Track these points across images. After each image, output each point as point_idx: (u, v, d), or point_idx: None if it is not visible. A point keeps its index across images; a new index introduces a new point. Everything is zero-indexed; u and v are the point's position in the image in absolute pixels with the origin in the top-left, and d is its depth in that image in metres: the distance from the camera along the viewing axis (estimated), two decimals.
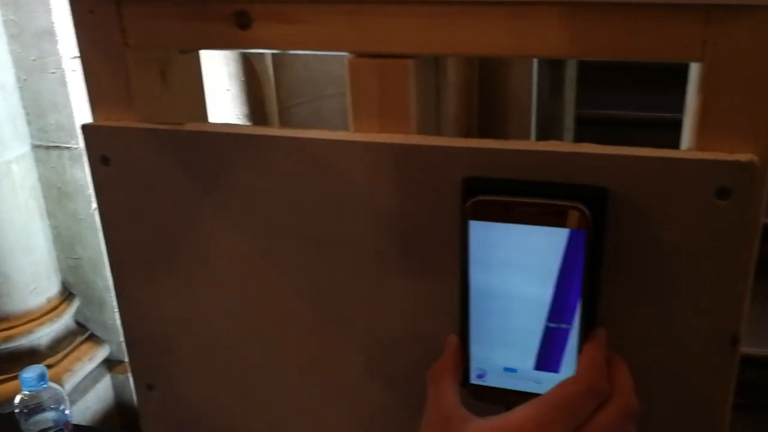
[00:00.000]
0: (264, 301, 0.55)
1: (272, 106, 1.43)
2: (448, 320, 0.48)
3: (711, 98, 0.42)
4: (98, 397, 1.83)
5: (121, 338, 1.83)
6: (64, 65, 1.53)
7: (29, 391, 1.27)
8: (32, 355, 1.68)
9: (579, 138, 0.47)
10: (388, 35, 0.47)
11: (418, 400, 0.46)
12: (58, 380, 1.63)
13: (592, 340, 0.44)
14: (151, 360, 0.61)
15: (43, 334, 1.71)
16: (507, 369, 0.46)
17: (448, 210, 0.47)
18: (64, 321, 1.76)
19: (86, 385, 1.79)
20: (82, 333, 1.82)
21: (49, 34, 1.49)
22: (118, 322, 1.87)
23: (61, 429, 1.30)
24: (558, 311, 0.44)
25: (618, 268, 0.46)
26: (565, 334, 0.44)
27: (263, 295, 0.55)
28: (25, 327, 1.67)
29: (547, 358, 0.45)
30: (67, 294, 1.80)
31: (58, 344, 1.75)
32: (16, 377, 1.63)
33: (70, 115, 1.56)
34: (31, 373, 1.27)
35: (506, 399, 0.44)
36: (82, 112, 1.60)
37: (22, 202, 1.62)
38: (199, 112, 0.62)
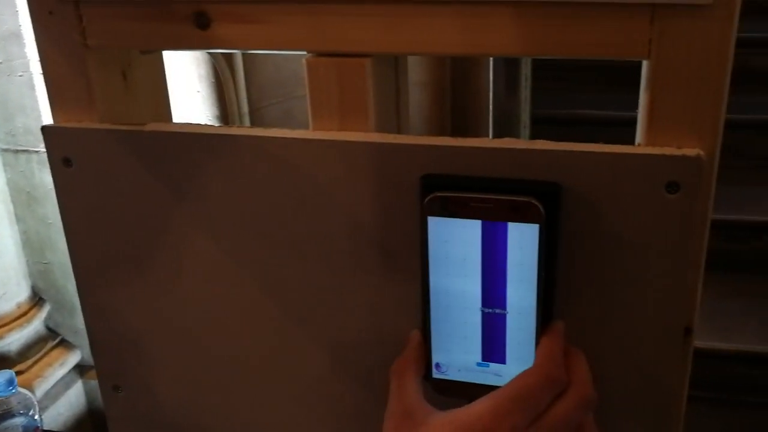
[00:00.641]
0: (230, 300, 0.56)
1: (243, 108, 1.43)
2: (412, 317, 0.49)
3: (658, 95, 0.43)
4: (70, 403, 1.81)
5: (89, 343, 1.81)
6: (31, 68, 1.51)
7: None
8: (2, 361, 1.66)
9: (536, 136, 0.48)
10: (346, 34, 0.47)
11: (384, 397, 0.46)
12: (28, 386, 1.62)
13: (549, 332, 0.45)
14: (116, 361, 0.61)
15: (12, 340, 1.69)
16: (468, 362, 0.47)
17: (408, 207, 0.48)
18: (35, 326, 1.74)
19: (57, 391, 1.77)
20: (53, 338, 1.80)
21: (16, 37, 1.48)
22: None
23: None
24: (514, 304, 0.45)
25: (571, 261, 0.47)
26: (525, 325, 0.45)
27: (229, 294, 0.56)
28: None
29: (495, 349, 0.46)
30: (37, 299, 1.78)
31: (29, 350, 1.73)
32: None
33: (39, 119, 1.55)
34: None
35: (468, 392, 0.45)
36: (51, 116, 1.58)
37: None
38: (163, 113, 0.62)
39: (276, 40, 0.49)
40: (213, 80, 1.40)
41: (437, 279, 0.46)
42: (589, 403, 0.43)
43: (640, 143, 0.45)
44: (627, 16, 0.42)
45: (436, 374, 0.48)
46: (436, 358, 0.48)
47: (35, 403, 1.26)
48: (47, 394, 1.72)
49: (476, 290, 0.45)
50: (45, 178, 1.61)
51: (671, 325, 0.47)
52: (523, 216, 0.43)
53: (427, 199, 0.44)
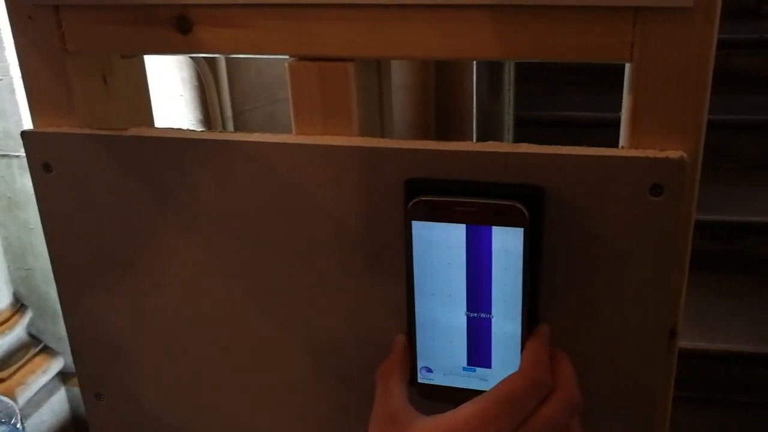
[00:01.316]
0: (213, 304, 0.55)
1: (227, 111, 1.42)
2: (396, 320, 0.49)
3: (641, 98, 0.43)
4: (53, 411, 1.79)
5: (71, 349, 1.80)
6: (12, 72, 1.50)
7: None
8: None
9: (522, 138, 0.48)
10: (328, 39, 0.47)
11: (367, 400, 0.46)
12: (10, 394, 1.60)
13: (534, 336, 0.45)
14: (98, 368, 0.60)
15: None
16: (453, 367, 0.47)
17: (391, 210, 0.48)
18: (17, 333, 1.72)
19: (40, 399, 1.76)
20: (36, 345, 1.78)
21: None
22: None
23: None
24: (499, 308, 0.45)
25: (556, 264, 0.47)
26: (510, 329, 0.45)
27: (212, 298, 0.55)
28: None
29: (481, 353, 0.46)
30: (19, 305, 1.76)
31: (11, 357, 1.71)
32: None
33: (19, 123, 1.53)
34: None
35: (454, 397, 0.45)
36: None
37: None
38: (145, 117, 0.62)
39: (258, 44, 0.49)
40: (196, 84, 1.39)
41: (422, 283, 0.46)
42: (574, 407, 0.43)
43: (624, 146, 0.45)
44: (609, 20, 0.42)
45: (421, 379, 0.48)
46: (421, 362, 0.48)
47: (17, 411, 1.25)
48: (30, 401, 1.70)
49: (461, 294, 0.45)
50: (26, 183, 1.59)
51: (656, 328, 0.47)
52: (507, 220, 0.43)
53: (411, 204, 0.44)
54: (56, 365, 1.79)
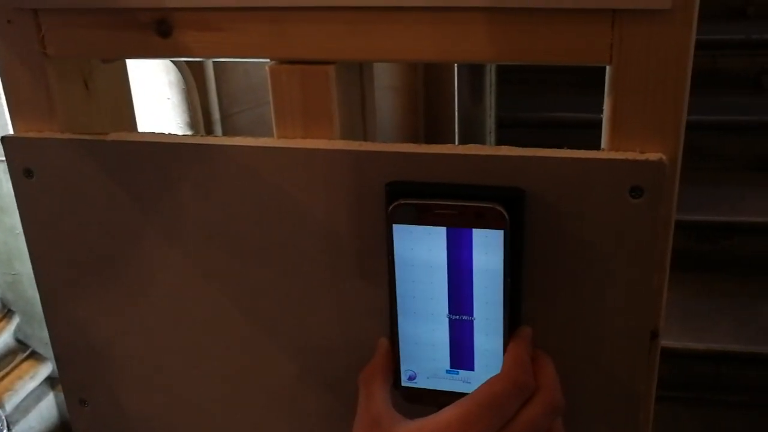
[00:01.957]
0: (196, 309, 0.55)
1: (215, 114, 1.42)
2: (380, 323, 0.49)
3: (620, 100, 0.44)
4: (41, 416, 1.78)
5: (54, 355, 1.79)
6: None
7: None
8: None
9: (506, 140, 0.48)
10: (308, 42, 0.47)
11: (354, 404, 0.46)
12: None
13: (516, 337, 0.45)
14: (82, 375, 0.60)
15: None
16: (436, 370, 0.47)
17: (374, 213, 0.48)
18: (4, 339, 1.71)
19: (28, 404, 1.75)
20: (23, 351, 1.77)
21: None
22: None
23: None
24: (481, 310, 0.45)
25: (537, 266, 0.47)
26: (492, 331, 0.45)
27: (195, 304, 0.55)
28: None
29: (464, 355, 0.46)
30: (5, 311, 1.75)
31: None
32: None
33: (5, 128, 1.53)
34: None
35: (438, 400, 0.45)
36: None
37: None
38: (127, 122, 0.62)
39: (238, 47, 0.49)
40: (183, 87, 1.38)
41: (404, 286, 0.46)
42: (556, 408, 0.43)
43: (604, 148, 0.46)
44: (588, 22, 0.42)
45: (405, 382, 0.48)
46: (404, 366, 0.48)
47: (3, 417, 1.24)
48: (18, 407, 1.69)
49: (443, 297, 0.45)
50: (11, 187, 1.58)
51: (637, 329, 0.47)
52: (487, 222, 0.43)
53: (391, 207, 0.44)
54: (44, 371, 1.78)
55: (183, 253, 0.54)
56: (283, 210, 0.50)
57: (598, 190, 0.44)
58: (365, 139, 0.55)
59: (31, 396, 1.75)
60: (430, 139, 1.56)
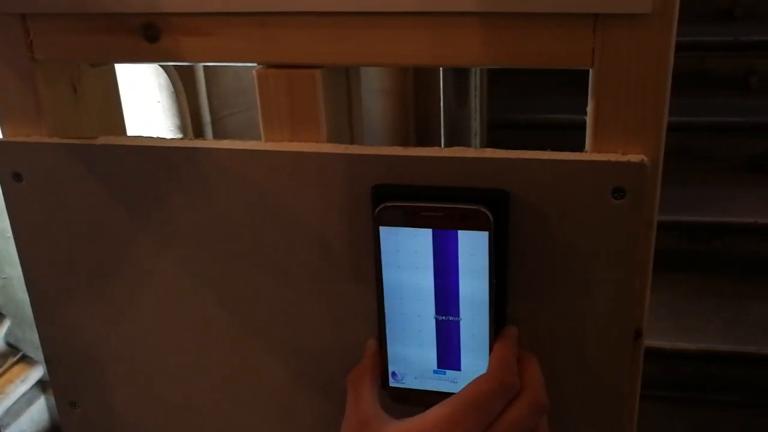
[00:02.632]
0: (187, 313, 0.55)
1: (205, 117, 1.42)
2: (371, 325, 0.49)
3: (602, 102, 0.44)
4: (32, 420, 1.78)
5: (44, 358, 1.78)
6: None
7: None
8: None
9: (495, 141, 0.49)
10: (295, 46, 0.48)
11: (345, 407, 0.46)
12: None
13: (502, 338, 0.46)
14: (72, 377, 0.60)
15: None
16: (424, 370, 0.48)
17: (361, 216, 0.48)
18: None
19: (19, 408, 1.74)
20: (14, 354, 1.77)
21: None
22: None
23: None
24: (467, 310, 0.45)
25: (522, 267, 0.47)
26: (478, 331, 0.46)
27: (185, 307, 0.55)
28: None
29: (450, 356, 0.47)
30: None
31: None
32: None
33: None
34: None
35: (425, 400, 0.45)
36: None
37: None
38: (116, 125, 0.62)
39: (225, 52, 0.49)
40: (173, 90, 1.38)
41: (391, 288, 0.46)
42: (541, 408, 0.43)
43: (587, 150, 0.46)
44: (571, 26, 0.43)
45: (392, 383, 0.48)
46: (392, 366, 0.48)
47: None
48: (9, 411, 1.68)
49: (429, 298, 0.46)
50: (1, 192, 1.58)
51: (621, 329, 0.48)
52: (472, 224, 0.43)
53: (378, 209, 0.45)
54: (35, 374, 1.78)
55: (173, 257, 0.54)
56: (273, 213, 0.51)
57: (581, 191, 0.45)
58: (352, 143, 0.55)
59: (22, 399, 1.75)
60: (421, 142, 1.56)
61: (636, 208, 0.44)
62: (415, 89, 1.62)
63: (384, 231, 0.45)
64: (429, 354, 0.47)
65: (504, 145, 0.48)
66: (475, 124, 0.75)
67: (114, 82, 0.61)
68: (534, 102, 2.02)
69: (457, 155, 0.46)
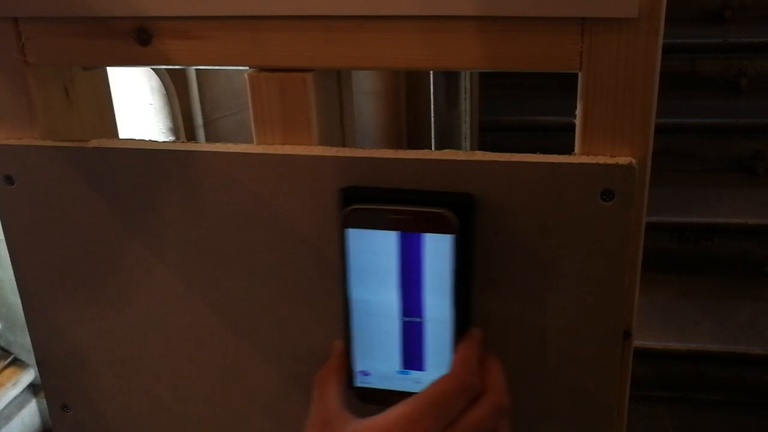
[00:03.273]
0: (178, 315, 0.56)
1: (197, 120, 1.42)
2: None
3: (591, 106, 0.45)
4: (24, 423, 1.77)
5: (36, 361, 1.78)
6: None
7: None
8: None
9: (485, 143, 0.49)
10: (286, 50, 0.48)
11: None
12: None
13: (465, 340, 0.46)
14: (65, 380, 0.60)
15: None
16: (388, 371, 0.48)
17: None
18: None
19: (11, 411, 1.74)
20: (5, 357, 1.76)
21: None
22: None
23: None
24: (431, 312, 0.46)
25: (510, 269, 0.48)
26: (442, 333, 0.46)
27: (176, 309, 0.55)
28: None
29: (415, 356, 0.47)
30: None
31: None
32: None
33: None
34: None
35: (390, 399, 0.45)
36: None
37: None
38: (108, 128, 0.62)
39: (217, 55, 0.49)
40: (165, 93, 1.38)
41: (357, 289, 0.47)
42: (502, 410, 0.44)
43: (576, 152, 0.47)
44: (558, 30, 0.43)
45: (358, 383, 0.49)
46: (358, 366, 0.49)
47: None
48: (0, 414, 1.68)
49: (394, 300, 0.46)
50: None
51: (610, 329, 0.48)
52: (437, 227, 0.44)
53: (345, 211, 0.45)
54: (26, 377, 1.77)
55: (165, 259, 0.54)
56: (265, 216, 0.51)
57: (570, 193, 0.45)
58: (344, 145, 0.56)
59: (14, 403, 1.74)
60: (413, 144, 1.57)
61: (624, 210, 0.45)
62: (407, 92, 1.62)
63: (350, 233, 0.45)
64: (394, 354, 0.48)
65: (492, 147, 0.49)
66: (465, 127, 0.76)
67: (106, 84, 0.62)
68: (521, 104, 2.03)
69: (448, 158, 0.47)
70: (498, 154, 0.46)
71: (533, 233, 0.47)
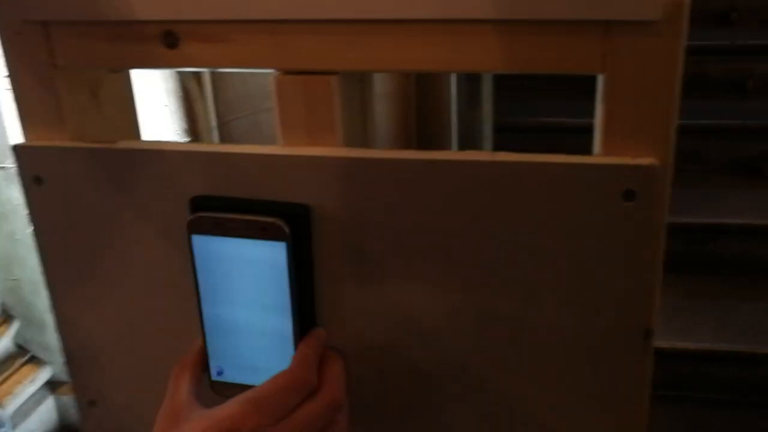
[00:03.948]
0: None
1: (211, 121, 1.43)
2: (401, 328, 0.51)
3: (613, 107, 0.45)
4: (41, 420, 1.79)
5: (64, 359, 1.79)
6: None
7: None
8: None
9: (500, 146, 0.50)
10: (311, 53, 0.49)
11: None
12: None
13: (306, 338, 0.50)
14: (92, 376, 0.61)
15: None
16: (240, 366, 0.52)
17: (377, 218, 0.49)
18: (4, 343, 1.71)
19: (28, 408, 1.75)
20: (23, 355, 1.78)
21: None
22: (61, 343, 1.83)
23: None
24: (271, 313, 0.49)
25: (531, 269, 0.49)
26: (284, 332, 0.50)
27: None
28: None
29: (262, 353, 0.51)
30: (5, 316, 1.75)
31: None
32: None
33: (3, 135, 1.53)
34: None
35: (242, 393, 0.48)
36: (15, 132, 1.56)
37: None
38: (131, 130, 0.63)
39: (243, 58, 0.50)
40: (181, 94, 1.39)
41: (206, 291, 0.50)
42: (337, 406, 0.48)
43: (598, 153, 0.47)
44: (582, 32, 0.44)
45: (214, 377, 0.52)
46: (213, 362, 0.52)
47: (7, 421, 1.24)
48: (18, 410, 1.69)
49: (239, 301, 0.50)
50: (12, 194, 1.59)
51: (631, 328, 0.49)
52: (271, 234, 0.47)
53: (189, 219, 0.49)
54: (44, 374, 1.79)
55: (187, 260, 0.55)
56: None
57: (592, 193, 0.46)
58: (365, 146, 0.57)
59: (31, 400, 1.76)
60: (422, 146, 1.57)
61: (646, 210, 0.46)
62: (417, 93, 1.63)
63: (196, 239, 0.49)
64: (243, 351, 0.51)
65: (507, 148, 0.50)
66: (487, 128, 0.76)
67: (130, 86, 0.63)
68: (534, 106, 2.04)
69: (471, 158, 0.47)
70: (521, 155, 0.47)
71: (555, 233, 0.48)
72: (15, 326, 1.75)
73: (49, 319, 1.74)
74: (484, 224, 0.48)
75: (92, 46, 0.52)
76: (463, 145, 0.81)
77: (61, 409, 1.84)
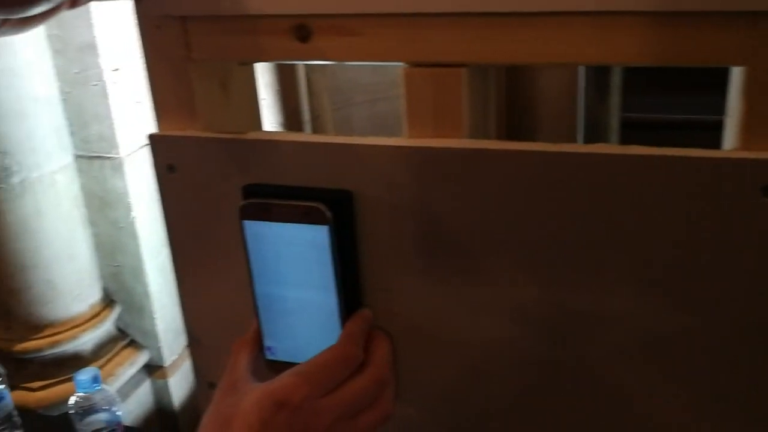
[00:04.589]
0: None
1: (305, 115, 1.45)
2: (494, 320, 0.51)
3: (756, 100, 0.44)
4: (139, 401, 1.86)
5: (160, 344, 1.86)
6: (105, 78, 1.56)
7: (83, 393, 1.31)
8: (77, 360, 1.72)
9: (624, 141, 0.49)
10: (442, 46, 0.49)
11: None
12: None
13: (353, 317, 0.53)
14: (212, 359, 0.64)
15: (87, 340, 1.75)
16: (290, 346, 0.55)
17: (500, 211, 0.50)
18: (106, 327, 1.79)
19: (128, 390, 1.83)
20: (123, 339, 1.85)
21: (91, 48, 1.53)
22: (158, 328, 1.90)
23: (114, 429, 1.33)
24: (320, 294, 0.52)
25: (664, 265, 0.48)
26: (331, 312, 0.52)
27: None
28: (70, 333, 1.71)
29: (311, 332, 0.53)
30: (108, 300, 1.83)
31: (101, 349, 1.79)
32: (63, 381, 1.68)
33: (111, 126, 1.60)
34: (85, 375, 1.31)
35: None
36: (123, 123, 1.63)
37: (66, 211, 1.66)
38: (256, 121, 0.65)
39: (374, 51, 0.51)
40: (278, 88, 1.43)
41: (258, 273, 0.53)
42: (383, 383, 0.51)
43: (736, 147, 0.46)
44: (728, 24, 0.43)
45: (267, 356, 0.55)
46: (266, 341, 0.55)
47: (117, 399, 1.30)
48: (118, 392, 1.77)
49: (289, 282, 0.52)
50: (116, 183, 1.66)
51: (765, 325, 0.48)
52: (314, 219, 0.50)
53: (240, 206, 0.52)
54: (142, 358, 1.86)
55: None
56: (410, 209, 0.52)
57: (730, 188, 0.45)
58: (486, 138, 0.57)
59: (130, 382, 1.83)
60: (513, 139, 1.55)
61: None
62: (508, 86, 1.60)
63: (247, 224, 0.52)
64: (294, 330, 0.54)
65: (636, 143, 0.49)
66: (614, 122, 0.76)
67: (254, 78, 0.65)
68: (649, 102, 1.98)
69: (603, 152, 0.47)
70: (654, 148, 0.47)
71: (692, 229, 0.47)
72: (117, 310, 1.82)
73: (147, 304, 1.81)
74: (615, 220, 0.48)
75: (226, 40, 0.54)
76: (590, 139, 0.80)
77: (157, 393, 1.92)
